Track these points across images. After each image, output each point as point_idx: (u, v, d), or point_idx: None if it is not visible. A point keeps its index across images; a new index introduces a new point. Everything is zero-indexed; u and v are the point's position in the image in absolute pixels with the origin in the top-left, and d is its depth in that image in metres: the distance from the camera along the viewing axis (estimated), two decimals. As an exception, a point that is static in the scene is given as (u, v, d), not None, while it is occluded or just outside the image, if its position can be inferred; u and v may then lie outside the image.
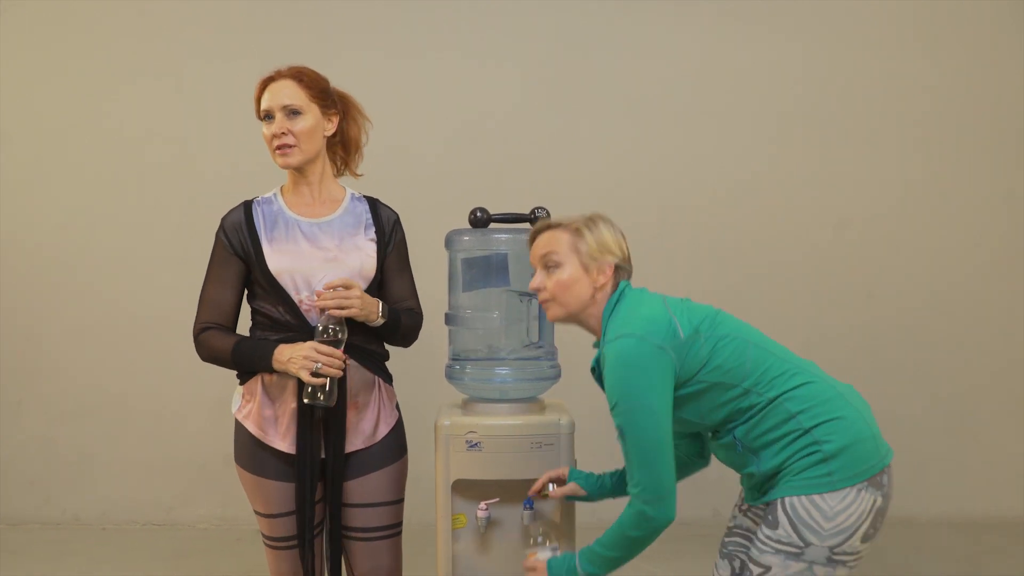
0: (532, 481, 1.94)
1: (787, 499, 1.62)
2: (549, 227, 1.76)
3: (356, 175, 2.08)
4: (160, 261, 3.79)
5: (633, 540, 1.64)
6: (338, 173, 2.06)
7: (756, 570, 1.64)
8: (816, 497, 1.60)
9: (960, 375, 3.86)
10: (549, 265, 1.73)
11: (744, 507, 1.85)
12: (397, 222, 2.02)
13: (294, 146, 1.89)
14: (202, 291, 1.94)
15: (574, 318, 1.75)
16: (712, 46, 3.82)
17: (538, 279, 1.75)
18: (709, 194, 3.77)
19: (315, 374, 1.78)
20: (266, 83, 1.93)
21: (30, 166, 3.83)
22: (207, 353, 1.92)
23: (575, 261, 1.72)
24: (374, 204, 2.02)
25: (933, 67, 3.82)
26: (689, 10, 3.82)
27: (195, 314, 1.94)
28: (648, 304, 1.68)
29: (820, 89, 3.82)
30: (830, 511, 1.59)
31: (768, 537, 1.62)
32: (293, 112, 1.88)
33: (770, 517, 1.63)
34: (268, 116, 1.91)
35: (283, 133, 1.88)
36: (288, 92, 1.89)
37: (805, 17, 3.81)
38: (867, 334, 3.85)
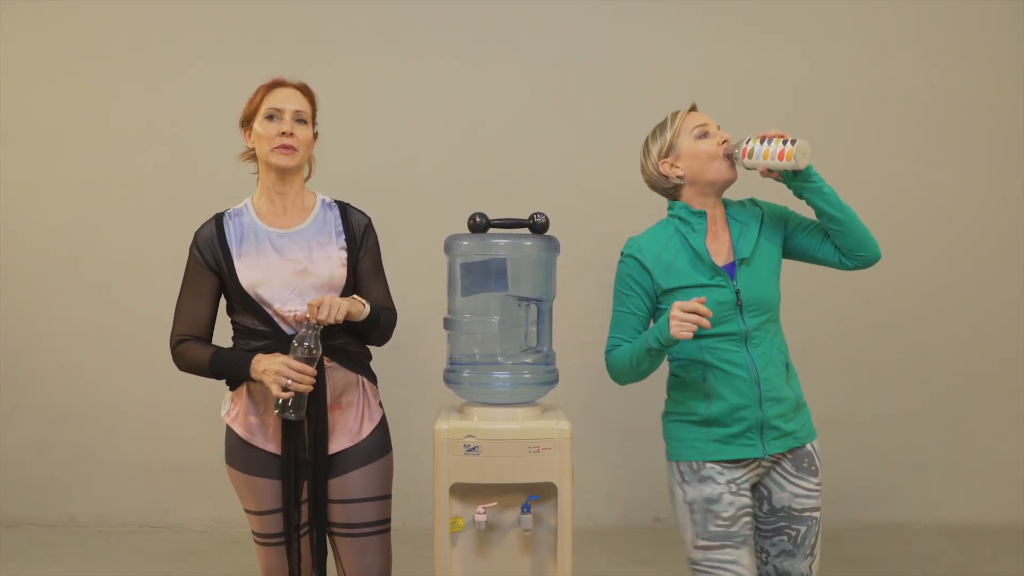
0: (530, 485, 1.95)
1: (814, 442, 1.88)
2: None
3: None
4: (157, 263, 3.78)
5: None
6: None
7: (816, 515, 1.84)
8: None
9: (958, 379, 3.87)
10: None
11: (740, 482, 1.82)
12: (368, 226, 2.06)
13: (297, 150, 1.95)
14: (177, 304, 2.00)
15: None
16: (712, 51, 3.83)
17: (721, 137, 2.05)
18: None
19: (285, 388, 1.81)
20: (271, 87, 1.99)
21: (29, 167, 3.83)
22: (185, 364, 1.96)
23: None
24: (344, 209, 2.05)
25: (932, 69, 3.83)
26: (689, 15, 3.83)
27: (171, 327, 1.98)
28: None
29: (819, 92, 3.83)
30: None
31: (818, 484, 1.85)
32: (301, 120, 1.97)
33: (806, 463, 1.85)
34: (273, 115, 1.95)
35: (291, 134, 1.94)
36: (299, 100, 1.98)
37: (804, 22, 3.82)
38: (865, 337, 3.86)
